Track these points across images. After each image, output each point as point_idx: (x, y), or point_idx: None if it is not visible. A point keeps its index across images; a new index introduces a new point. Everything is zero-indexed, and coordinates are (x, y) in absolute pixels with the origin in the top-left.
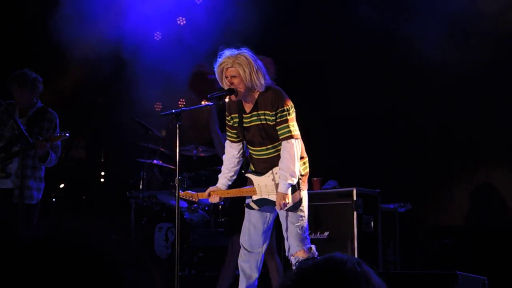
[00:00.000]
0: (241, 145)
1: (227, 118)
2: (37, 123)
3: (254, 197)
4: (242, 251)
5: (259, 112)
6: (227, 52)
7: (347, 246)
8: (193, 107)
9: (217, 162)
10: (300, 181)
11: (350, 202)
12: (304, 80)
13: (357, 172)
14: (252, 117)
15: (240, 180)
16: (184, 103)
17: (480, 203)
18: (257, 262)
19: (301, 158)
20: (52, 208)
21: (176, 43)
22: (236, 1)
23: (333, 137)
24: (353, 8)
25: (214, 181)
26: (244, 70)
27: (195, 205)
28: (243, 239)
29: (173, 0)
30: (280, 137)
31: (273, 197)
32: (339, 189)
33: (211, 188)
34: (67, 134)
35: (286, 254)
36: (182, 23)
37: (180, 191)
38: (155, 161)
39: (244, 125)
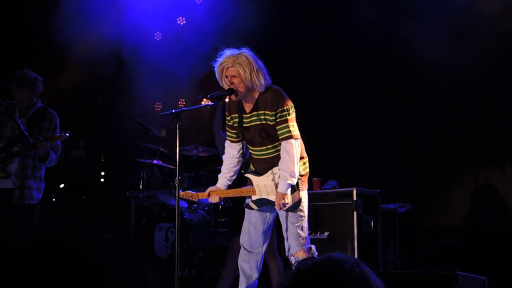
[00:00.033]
0: (240, 145)
1: (227, 118)
2: (37, 123)
3: (254, 197)
4: (242, 251)
5: (259, 112)
6: (228, 52)
7: (347, 246)
8: (193, 107)
9: (217, 162)
10: (300, 181)
11: (350, 202)
12: (305, 80)
13: (357, 172)
14: (252, 117)
15: (240, 180)
16: (184, 103)
17: (480, 203)
18: (257, 262)
19: (301, 158)
20: (52, 208)
21: (176, 43)
22: (236, 1)
23: (333, 137)
24: (353, 8)
25: (214, 181)
26: (244, 70)
27: (195, 205)
28: (243, 239)
29: (173, 0)
30: (280, 137)
31: (272, 197)
32: (339, 189)
33: (210, 188)
34: (67, 134)
35: (286, 254)
36: (182, 23)
37: (180, 191)
38: (155, 161)
39: (244, 125)
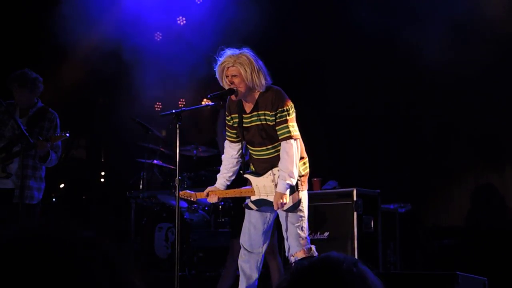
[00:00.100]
0: (240, 145)
1: (227, 118)
2: (37, 123)
3: (253, 198)
4: (242, 251)
5: (259, 112)
6: (229, 52)
7: (347, 247)
8: (194, 107)
9: (217, 162)
10: (300, 181)
11: (350, 202)
12: (305, 80)
13: (357, 172)
14: (252, 117)
15: (239, 181)
16: (184, 103)
17: (480, 204)
18: (257, 263)
19: (301, 158)
20: (52, 208)
21: (177, 43)
22: (236, 1)
23: (333, 137)
24: (354, 8)
25: (214, 181)
26: (245, 69)
27: (195, 205)
28: (243, 239)
29: (173, 0)
30: (280, 138)
31: (271, 198)
32: (339, 190)
33: (209, 188)
34: (67, 135)
35: (286, 254)
36: (182, 23)
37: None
38: (155, 161)
39: (244, 125)
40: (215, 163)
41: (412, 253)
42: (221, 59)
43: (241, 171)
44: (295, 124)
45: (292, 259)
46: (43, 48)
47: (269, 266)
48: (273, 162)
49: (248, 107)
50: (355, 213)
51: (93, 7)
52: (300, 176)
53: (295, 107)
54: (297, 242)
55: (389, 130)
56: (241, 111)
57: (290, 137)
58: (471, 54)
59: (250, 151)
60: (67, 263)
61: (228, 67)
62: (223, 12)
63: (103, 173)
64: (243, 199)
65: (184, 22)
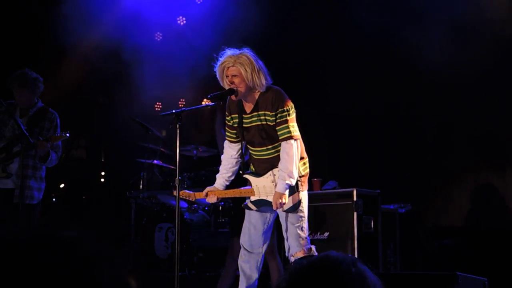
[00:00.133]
0: (239, 146)
1: (227, 118)
2: (37, 123)
3: (253, 198)
4: (242, 251)
5: (260, 112)
6: (229, 52)
7: (347, 247)
8: (194, 107)
9: (217, 162)
10: (300, 182)
11: (350, 202)
12: (305, 80)
13: (357, 172)
14: (253, 117)
15: (238, 181)
16: (184, 103)
17: (480, 204)
18: (257, 263)
19: (301, 158)
20: (52, 208)
21: (177, 43)
22: (236, 1)
23: (333, 137)
24: (354, 8)
25: (215, 181)
26: (245, 69)
27: (195, 205)
28: (243, 239)
29: (174, 0)
30: (280, 138)
31: (271, 198)
32: (339, 190)
33: (208, 188)
34: (68, 135)
35: (286, 254)
36: (182, 23)
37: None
38: (155, 161)
39: (244, 125)
40: (215, 163)
41: (412, 254)
42: (221, 59)
43: (240, 171)
44: (295, 124)
45: (292, 259)
46: (43, 48)
47: (268, 266)
48: (273, 162)
49: (248, 107)
50: (355, 213)
51: (93, 7)
52: (300, 177)
53: (295, 107)
54: (297, 242)
55: (389, 130)
56: (241, 111)
57: (291, 137)
58: (471, 54)
59: (250, 151)
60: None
61: (228, 67)
62: (223, 12)
63: (103, 173)
64: (243, 198)
65: (184, 22)
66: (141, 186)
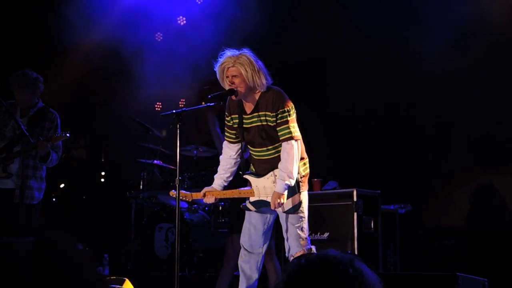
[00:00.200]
0: (239, 146)
1: (227, 118)
2: (38, 123)
3: (252, 199)
4: (242, 251)
5: (260, 113)
6: (228, 52)
7: (347, 247)
8: (194, 107)
9: (218, 163)
10: (301, 183)
11: (351, 203)
12: (305, 80)
13: (357, 173)
14: (253, 118)
15: (237, 181)
16: (184, 103)
17: (480, 205)
18: (257, 263)
19: (302, 158)
20: (52, 208)
21: (177, 43)
22: (236, 1)
23: (333, 138)
24: (354, 8)
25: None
26: (246, 69)
27: (196, 205)
28: (244, 239)
29: (174, 0)
30: (280, 138)
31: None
32: (339, 190)
33: (206, 189)
34: (68, 135)
35: (286, 255)
36: (182, 23)
37: (173, 191)
38: (155, 161)
39: (244, 125)
40: (216, 163)
41: (412, 254)
42: (220, 60)
43: (240, 172)
44: (296, 125)
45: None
46: (44, 48)
47: (266, 267)
48: (274, 162)
49: (248, 107)
50: (355, 214)
51: (93, 8)
52: (300, 177)
53: (295, 107)
54: (297, 243)
55: (389, 130)
56: (241, 111)
57: (291, 138)
58: (471, 56)
59: (251, 152)
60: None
61: (228, 68)
62: (223, 12)
63: (103, 173)
64: (239, 198)
65: (184, 22)
66: (141, 186)
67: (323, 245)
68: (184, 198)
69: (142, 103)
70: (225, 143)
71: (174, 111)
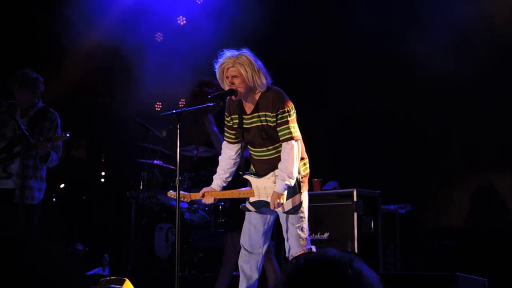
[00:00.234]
0: (238, 146)
1: (227, 118)
2: (38, 123)
3: (251, 199)
4: (242, 251)
5: (260, 113)
6: (228, 53)
7: (347, 247)
8: (194, 107)
9: (218, 163)
10: (301, 183)
11: (351, 203)
12: (305, 80)
13: (357, 173)
14: (253, 118)
15: (236, 181)
16: (184, 103)
17: (480, 205)
18: (258, 263)
19: (302, 159)
20: (52, 208)
21: (177, 43)
22: (236, 1)
23: (333, 138)
24: (354, 9)
25: None
26: (245, 70)
27: (196, 205)
28: (244, 239)
29: (174, 0)
30: (281, 139)
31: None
32: (339, 190)
33: (205, 189)
34: (68, 135)
35: (287, 255)
36: (182, 23)
37: (171, 191)
38: (155, 161)
39: (244, 126)
40: (216, 163)
41: (412, 254)
42: (220, 60)
43: (240, 172)
44: (296, 125)
45: None
46: (44, 48)
47: (264, 267)
48: (274, 163)
49: (248, 108)
50: (355, 214)
51: (93, 7)
52: (300, 177)
53: (295, 107)
54: (298, 243)
55: (389, 130)
56: (241, 112)
57: (292, 138)
58: (471, 56)
59: (251, 152)
60: None
61: (228, 68)
62: (223, 12)
63: (103, 173)
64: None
65: (184, 22)
66: (141, 186)
67: (323, 245)
68: (182, 199)
69: (142, 103)
70: (224, 144)
71: (174, 111)
